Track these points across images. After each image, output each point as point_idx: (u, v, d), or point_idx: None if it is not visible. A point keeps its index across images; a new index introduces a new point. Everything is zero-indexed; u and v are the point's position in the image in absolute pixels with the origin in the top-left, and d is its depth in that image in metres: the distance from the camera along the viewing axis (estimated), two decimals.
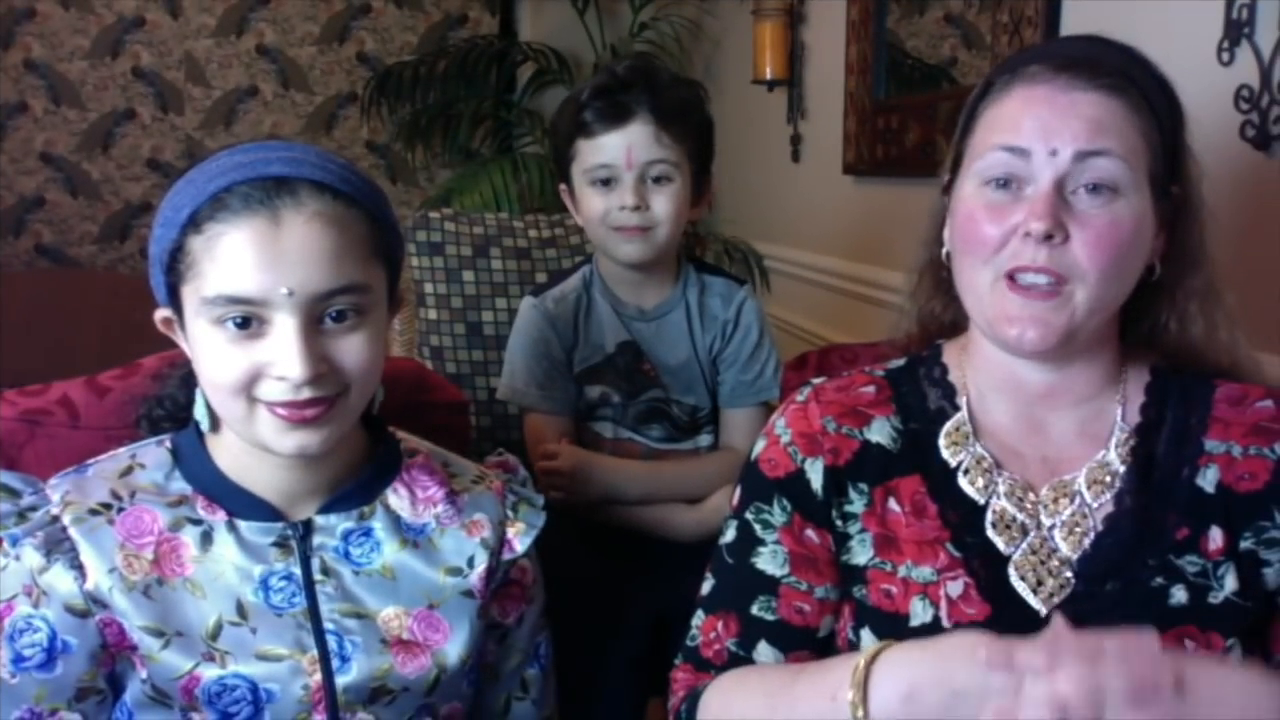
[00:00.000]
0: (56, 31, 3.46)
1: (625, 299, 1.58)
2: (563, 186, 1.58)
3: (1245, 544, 0.91)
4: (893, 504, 0.96)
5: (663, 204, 1.47)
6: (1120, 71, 0.91)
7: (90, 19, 3.48)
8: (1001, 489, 0.95)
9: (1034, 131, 0.89)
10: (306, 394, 0.88)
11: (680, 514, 1.51)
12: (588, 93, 1.48)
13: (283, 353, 0.87)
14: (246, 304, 0.87)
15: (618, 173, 1.47)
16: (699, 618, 1.02)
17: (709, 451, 1.59)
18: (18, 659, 0.90)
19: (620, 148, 1.45)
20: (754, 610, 0.98)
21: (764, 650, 0.97)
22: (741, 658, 0.98)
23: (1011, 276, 0.90)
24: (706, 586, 1.03)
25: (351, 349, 0.90)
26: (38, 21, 3.43)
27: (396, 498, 1.01)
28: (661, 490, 1.52)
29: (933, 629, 0.91)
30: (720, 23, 3.26)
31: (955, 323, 1.05)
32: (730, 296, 1.60)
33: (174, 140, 3.60)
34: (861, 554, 0.96)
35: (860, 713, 0.80)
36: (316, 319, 0.89)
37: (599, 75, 1.51)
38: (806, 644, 0.97)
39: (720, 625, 0.99)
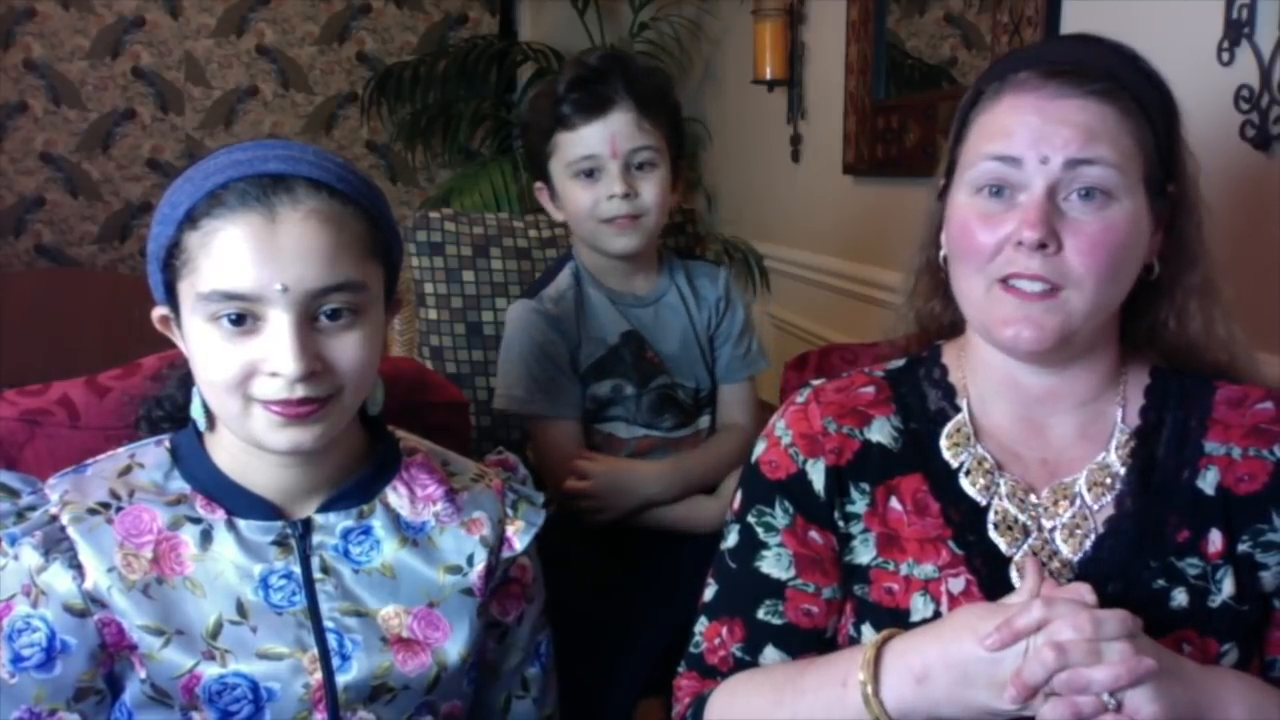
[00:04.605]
0: (56, 31, 3.46)
1: (618, 289, 1.57)
2: (539, 185, 1.56)
3: (1242, 547, 0.92)
4: (894, 503, 0.96)
5: (650, 190, 1.47)
6: (1110, 75, 0.90)
7: (90, 19, 3.48)
8: (1003, 490, 0.95)
9: (1024, 140, 0.89)
10: (300, 392, 0.88)
11: (702, 507, 1.50)
12: (564, 85, 1.46)
13: (276, 349, 0.87)
14: (241, 300, 0.87)
15: (603, 163, 1.45)
16: (702, 624, 1.01)
17: (710, 432, 1.59)
18: (16, 659, 0.90)
19: (604, 137, 1.44)
20: (760, 615, 0.98)
21: (770, 654, 0.97)
22: (747, 663, 0.98)
23: (1005, 281, 0.90)
24: (709, 592, 1.02)
25: (346, 348, 0.90)
26: (38, 21, 3.43)
27: (396, 496, 1.01)
28: (692, 483, 1.51)
29: None
30: (720, 23, 3.26)
31: (954, 323, 1.05)
32: (715, 276, 1.63)
33: (174, 140, 3.60)
34: (864, 553, 0.96)
35: (870, 690, 0.83)
36: (311, 316, 0.89)
37: (572, 67, 1.49)
38: (814, 646, 0.97)
39: (725, 631, 0.99)
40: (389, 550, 0.98)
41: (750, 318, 1.64)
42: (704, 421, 1.59)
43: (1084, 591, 0.82)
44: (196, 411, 0.97)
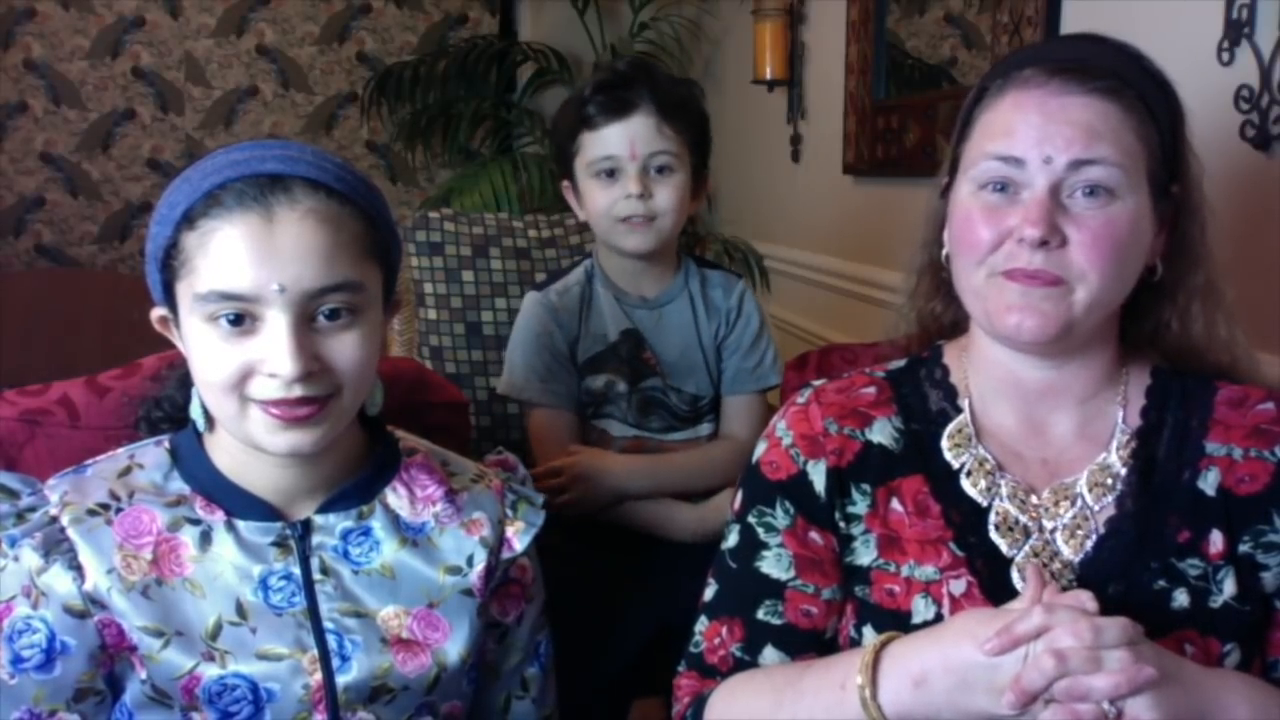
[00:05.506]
0: (56, 31, 3.46)
1: (626, 288, 1.60)
2: (565, 183, 1.60)
3: (1243, 548, 0.91)
4: (895, 504, 0.96)
5: (665, 194, 1.51)
6: (1114, 73, 0.90)
7: (90, 19, 3.48)
8: (1004, 491, 0.95)
9: (1027, 139, 0.89)
10: (298, 392, 0.88)
11: (682, 513, 1.51)
12: (590, 88, 1.52)
13: (274, 349, 0.87)
14: (238, 300, 0.87)
15: (621, 164, 1.50)
16: (702, 624, 1.01)
17: (710, 440, 1.60)
18: (16, 660, 0.90)
19: (623, 139, 1.49)
20: (759, 615, 0.98)
21: (770, 654, 0.97)
22: (746, 662, 0.98)
23: (1007, 274, 0.90)
24: (709, 592, 1.02)
25: (344, 348, 0.90)
26: (38, 21, 3.43)
27: (395, 497, 1.01)
28: (669, 482, 1.52)
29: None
30: (720, 23, 3.26)
31: (956, 323, 1.05)
32: (731, 287, 1.64)
33: (174, 140, 3.60)
34: (865, 555, 0.96)
35: (868, 693, 0.83)
36: (309, 317, 0.89)
37: (600, 71, 1.56)
38: (813, 646, 0.97)
39: (724, 630, 0.99)
40: (388, 551, 0.98)
41: (767, 332, 1.64)
42: (705, 429, 1.61)
43: (1085, 599, 0.81)
44: (196, 412, 0.97)
